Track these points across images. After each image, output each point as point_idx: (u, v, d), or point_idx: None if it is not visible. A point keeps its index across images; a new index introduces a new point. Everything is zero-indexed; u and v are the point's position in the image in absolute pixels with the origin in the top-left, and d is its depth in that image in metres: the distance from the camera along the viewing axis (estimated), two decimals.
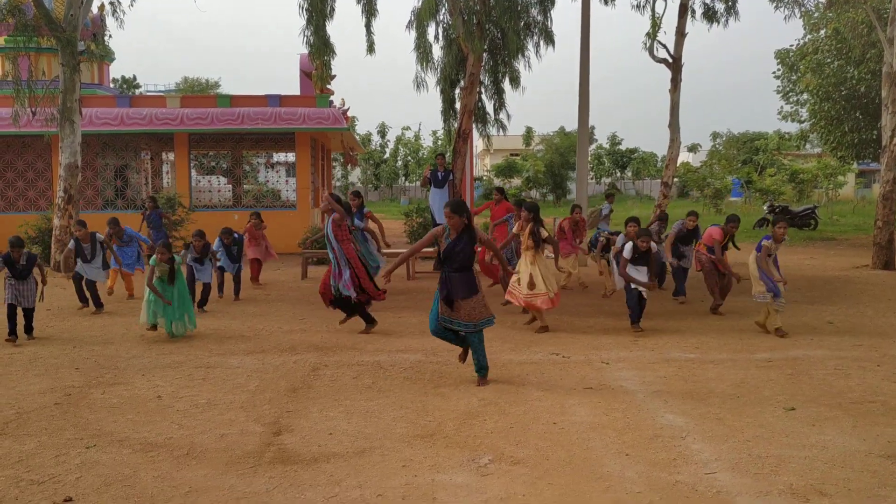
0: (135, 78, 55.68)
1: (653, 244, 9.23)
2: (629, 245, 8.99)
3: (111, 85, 28.51)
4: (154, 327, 8.94)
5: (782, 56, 26.31)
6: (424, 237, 6.91)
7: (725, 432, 5.36)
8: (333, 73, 15.60)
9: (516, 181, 50.61)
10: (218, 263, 11.60)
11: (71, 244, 10.80)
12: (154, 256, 8.89)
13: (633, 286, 8.99)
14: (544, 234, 9.11)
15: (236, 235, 12.09)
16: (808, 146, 41.23)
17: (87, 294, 10.76)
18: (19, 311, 8.70)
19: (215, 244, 11.73)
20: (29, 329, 8.80)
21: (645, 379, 6.87)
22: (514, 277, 9.15)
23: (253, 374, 7.09)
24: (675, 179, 27.18)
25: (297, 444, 5.19)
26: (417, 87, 15.49)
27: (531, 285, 8.93)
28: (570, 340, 8.61)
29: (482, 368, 6.76)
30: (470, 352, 6.88)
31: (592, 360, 7.65)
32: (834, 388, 6.55)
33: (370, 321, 9.20)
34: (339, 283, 8.98)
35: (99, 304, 10.76)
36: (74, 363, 7.57)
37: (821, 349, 8.12)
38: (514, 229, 9.56)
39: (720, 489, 4.35)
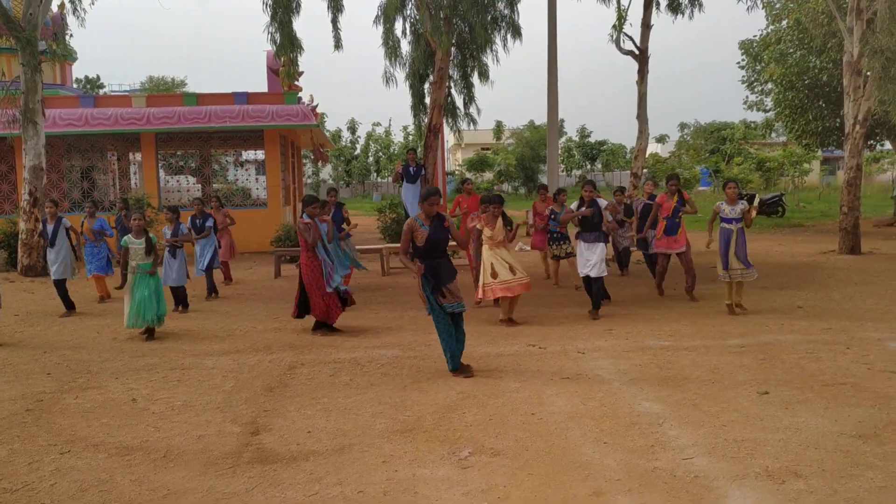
0: (99, 78, 54.82)
1: (601, 200, 9.44)
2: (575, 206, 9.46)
3: (74, 85, 28.04)
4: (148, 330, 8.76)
5: (746, 46, 26.66)
6: (403, 235, 6.90)
7: (701, 418, 5.43)
8: (301, 69, 15.52)
9: (488, 175, 50.77)
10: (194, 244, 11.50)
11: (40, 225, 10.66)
12: (125, 238, 8.72)
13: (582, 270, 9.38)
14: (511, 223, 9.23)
15: (205, 212, 12.04)
16: (773, 135, 41.85)
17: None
18: None
19: (188, 222, 11.55)
20: None
21: (621, 367, 6.94)
22: (487, 272, 9.12)
23: (229, 375, 7.03)
24: (645, 170, 27.40)
25: (275, 443, 5.16)
26: (387, 82, 15.49)
27: (512, 271, 8.98)
28: (546, 331, 8.66)
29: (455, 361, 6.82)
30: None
31: (569, 350, 7.70)
32: (805, 371, 6.66)
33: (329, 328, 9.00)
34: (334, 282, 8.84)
35: (70, 306, 10.52)
36: (46, 368, 7.45)
37: (792, 333, 8.26)
38: (478, 224, 9.34)
39: (698, 474, 4.40)
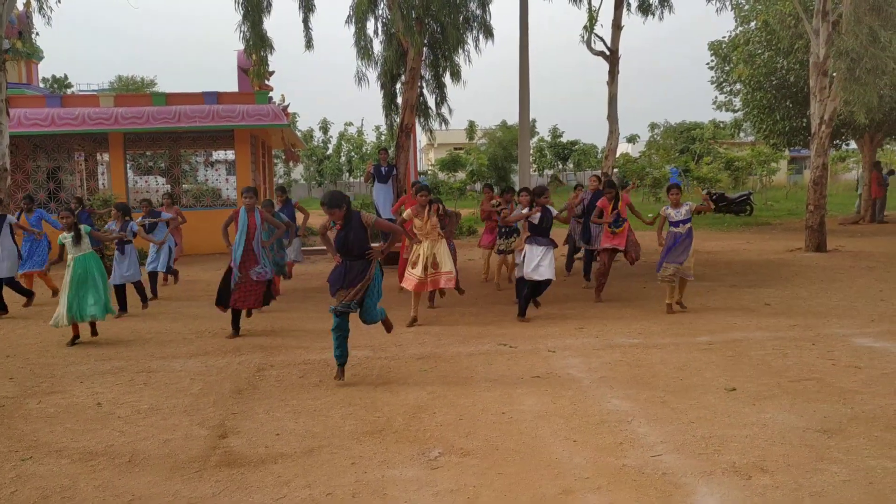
0: (66, 77, 53.88)
1: (552, 209, 9.26)
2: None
3: (41, 84, 27.55)
4: (76, 335, 8.52)
5: (715, 47, 26.92)
6: (322, 223, 7.07)
7: (670, 415, 5.46)
8: (272, 68, 15.41)
9: (461, 175, 50.75)
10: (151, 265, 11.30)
11: None
12: (60, 236, 8.60)
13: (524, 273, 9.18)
14: (438, 208, 9.17)
15: (154, 210, 11.94)
16: (741, 135, 42.37)
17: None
18: None
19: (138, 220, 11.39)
20: None
21: (591, 365, 6.96)
22: (410, 260, 9.15)
23: (196, 377, 6.94)
24: (615, 170, 27.61)
25: (243, 446, 5.10)
26: (359, 81, 15.45)
27: (435, 265, 8.98)
28: (517, 330, 8.67)
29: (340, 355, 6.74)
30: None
31: (539, 349, 7.71)
32: (772, 367, 6.74)
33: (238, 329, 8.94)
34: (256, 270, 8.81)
35: (28, 294, 10.47)
36: (8, 373, 7.29)
37: (759, 330, 8.35)
38: (406, 214, 9.30)
39: (666, 471, 4.43)
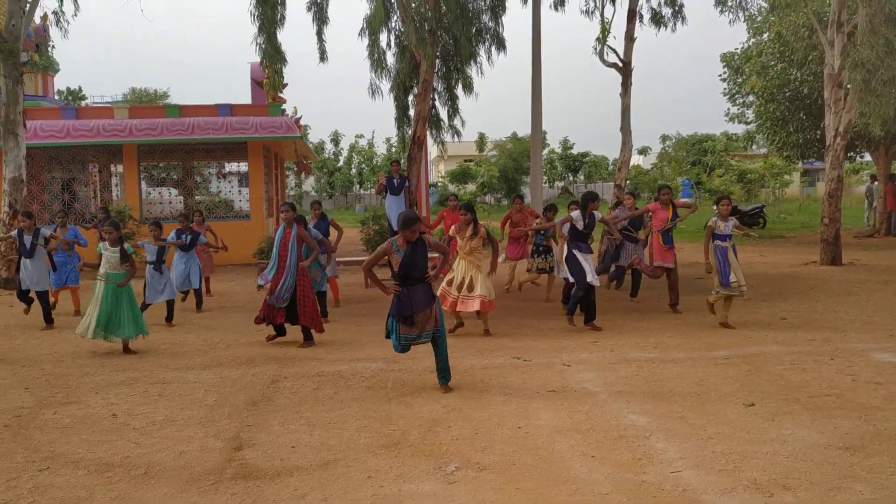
0: (80, 89, 54.25)
1: (596, 213, 9.41)
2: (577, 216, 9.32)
3: (56, 97, 27.78)
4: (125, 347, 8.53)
5: (728, 59, 26.89)
6: (375, 253, 6.93)
7: (688, 430, 5.41)
8: (285, 81, 15.48)
9: (471, 187, 50.81)
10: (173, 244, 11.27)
11: (14, 233, 10.50)
12: (101, 245, 8.56)
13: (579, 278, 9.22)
14: (482, 231, 9.14)
15: (193, 229, 11.87)
16: (754, 147, 42.21)
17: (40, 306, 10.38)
18: None
19: (170, 237, 11.38)
20: None
21: (606, 380, 6.91)
22: (448, 277, 9.17)
23: (211, 389, 6.93)
24: (628, 182, 27.56)
25: (259, 458, 5.08)
26: (372, 94, 15.49)
27: (470, 287, 8.99)
28: (531, 344, 8.63)
29: (445, 372, 6.73)
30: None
31: (554, 362, 7.67)
32: (791, 382, 6.67)
33: (310, 338, 8.93)
34: (278, 293, 8.72)
35: (49, 320, 10.40)
36: (24, 383, 7.31)
37: (776, 345, 8.28)
38: (451, 231, 9.44)
39: (686, 487, 4.38)
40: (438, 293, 9.20)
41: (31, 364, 8.18)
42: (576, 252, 9.28)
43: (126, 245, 8.72)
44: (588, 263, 9.25)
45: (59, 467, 4.98)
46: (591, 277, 9.19)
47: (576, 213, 9.40)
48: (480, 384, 6.87)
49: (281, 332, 8.98)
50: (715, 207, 9.61)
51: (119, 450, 5.29)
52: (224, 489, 4.55)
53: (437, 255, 7.23)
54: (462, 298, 9.05)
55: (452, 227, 9.51)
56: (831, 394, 6.29)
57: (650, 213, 10.89)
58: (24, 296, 10.53)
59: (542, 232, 11.62)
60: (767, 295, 11.94)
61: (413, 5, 14.73)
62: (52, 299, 11.12)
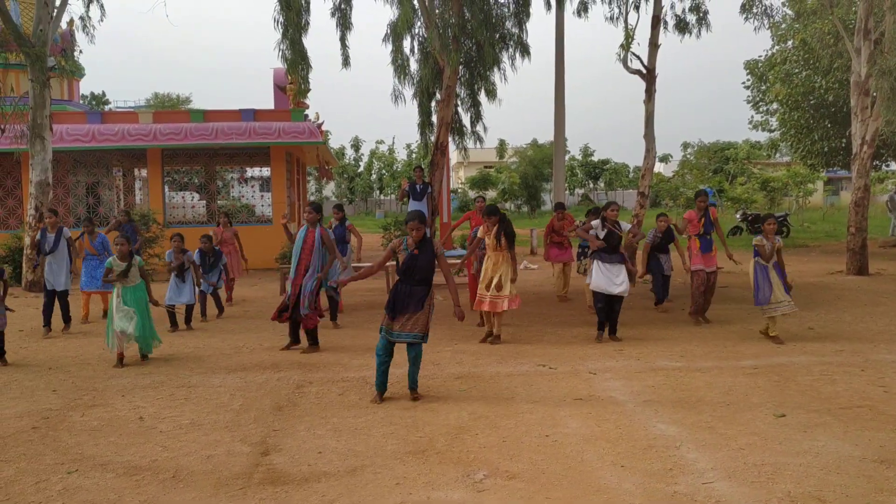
0: (104, 94, 55.00)
1: (623, 223, 9.29)
2: (598, 224, 9.24)
3: (81, 101, 28.12)
4: (120, 359, 8.33)
5: (751, 66, 26.70)
6: (384, 253, 6.95)
7: (719, 441, 5.33)
8: (309, 86, 15.53)
9: (491, 193, 50.79)
10: (199, 288, 11.15)
11: (38, 234, 10.60)
12: (109, 260, 8.51)
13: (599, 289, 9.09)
14: (504, 243, 9.10)
15: (216, 249, 11.90)
16: (777, 155, 41.83)
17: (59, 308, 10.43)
18: None
19: (194, 255, 11.42)
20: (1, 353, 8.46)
21: (633, 388, 6.84)
22: (483, 282, 9.16)
23: (236, 393, 6.94)
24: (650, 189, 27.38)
25: (286, 463, 5.07)
26: (395, 99, 15.50)
27: (498, 287, 8.95)
28: (555, 351, 8.57)
29: (415, 383, 6.74)
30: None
31: (579, 370, 7.61)
32: (822, 393, 6.57)
33: (315, 342, 8.93)
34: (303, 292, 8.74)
35: (67, 319, 10.44)
36: (51, 385, 7.36)
37: (805, 355, 8.16)
38: (479, 233, 9.43)
39: (719, 499, 4.31)
40: (476, 299, 9.22)
41: (58, 367, 8.24)
42: (596, 262, 9.17)
43: (137, 258, 8.64)
44: (607, 274, 9.01)
45: (87, 470, 4.99)
46: (609, 288, 8.98)
47: (596, 222, 9.33)
48: (506, 391, 6.82)
49: (295, 339, 8.97)
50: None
51: (147, 453, 5.31)
52: (252, 494, 4.54)
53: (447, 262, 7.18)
54: (492, 298, 9.02)
55: (480, 227, 9.52)
56: (863, 405, 6.18)
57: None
58: (49, 305, 10.38)
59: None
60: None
61: (437, 11, 14.75)
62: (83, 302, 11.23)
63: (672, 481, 4.60)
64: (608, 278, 8.99)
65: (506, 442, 5.40)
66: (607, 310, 9.16)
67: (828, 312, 10.98)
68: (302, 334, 8.98)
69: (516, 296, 9.14)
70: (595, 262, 9.19)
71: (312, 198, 52.60)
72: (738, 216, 27.42)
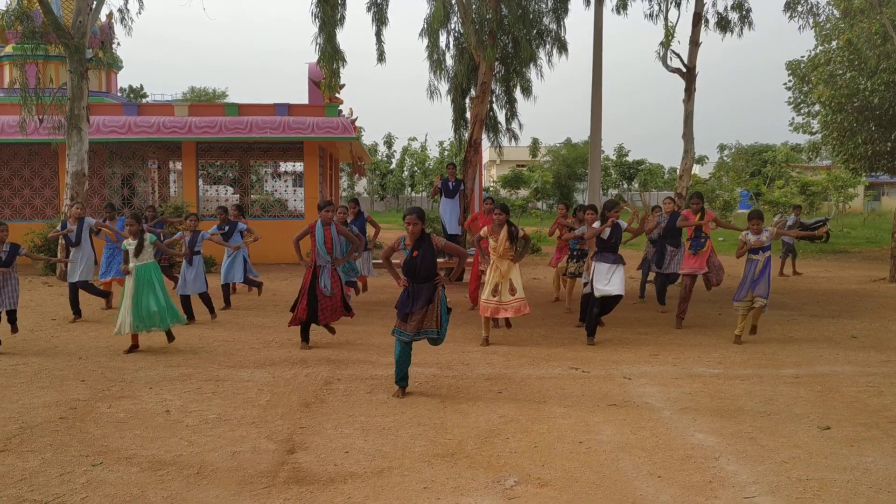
0: (142, 87, 55.71)
1: (622, 223, 8.96)
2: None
3: (118, 94, 28.43)
4: (134, 344, 8.47)
5: (793, 67, 26.07)
6: (389, 245, 6.99)
7: (760, 453, 5.11)
8: (343, 81, 15.47)
9: (523, 192, 50.47)
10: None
11: (59, 226, 10.70)
12: (125, 242, 8.56)
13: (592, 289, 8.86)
14: (521, 233, 8.88)
15: (231, 222, 11.96)
16: (818, 158, 40.95)
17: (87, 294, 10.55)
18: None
19: (211, 230, 11.51)
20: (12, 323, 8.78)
21: (670, 395, 6.63)
22: (487, 288, 8.90)
23: (264, 388, 6.86)
24: (687, 190, 26.92)
25: (312, 462, 4.96)
26: (430, 95, 15.42)
27: (512, 290, 8.78)
28: (588, 355, 8.37)
29: (402, 378, 6.64)
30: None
31: (613, 375, 7.40)
32: (868, 406, 6.30)
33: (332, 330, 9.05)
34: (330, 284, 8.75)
35: (103, 295, 10.56)
36: (80, 375, 7.36)
37: (848, 365, 7.87)
38: (483, 232, 9.15)
39: None
40: (480, 304, 9.01)
41: (87, 356, 8.24)
42: (595, 262, 8.88)
43: (147, 236, 8.61)
44: (607, 275, 8.70)
45: (112, 463, 4.93)
46: (603, 288, 8.68)
47: (597, 223, 9.05)
48: (538, 395, 6.65)
49: (305, 339, 8.83)
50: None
51: (172, 447, 5.23)
52: (277, 493, 4.44)
53: (449, 257, 7.11)
54: (498, 304, 8.81)
55: (484, 228, 9.23)
56: None
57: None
58: (74, 299, 10.50)
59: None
60: (834, 312, 11.43)
61: (473, 7, 14.59)
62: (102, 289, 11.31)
63: (712, 494, 4.40)
64: (604, 280, 8.71)
65: (537, 447, 5.24)
66: (599, 314, 9.02)
67: (871, 321, 10.62)
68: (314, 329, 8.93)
69: (525, 304, 8.92)
70: (595, 262, 8.88)
71: (344, 193, 52.77)
72: (775, 219, 26.82)
